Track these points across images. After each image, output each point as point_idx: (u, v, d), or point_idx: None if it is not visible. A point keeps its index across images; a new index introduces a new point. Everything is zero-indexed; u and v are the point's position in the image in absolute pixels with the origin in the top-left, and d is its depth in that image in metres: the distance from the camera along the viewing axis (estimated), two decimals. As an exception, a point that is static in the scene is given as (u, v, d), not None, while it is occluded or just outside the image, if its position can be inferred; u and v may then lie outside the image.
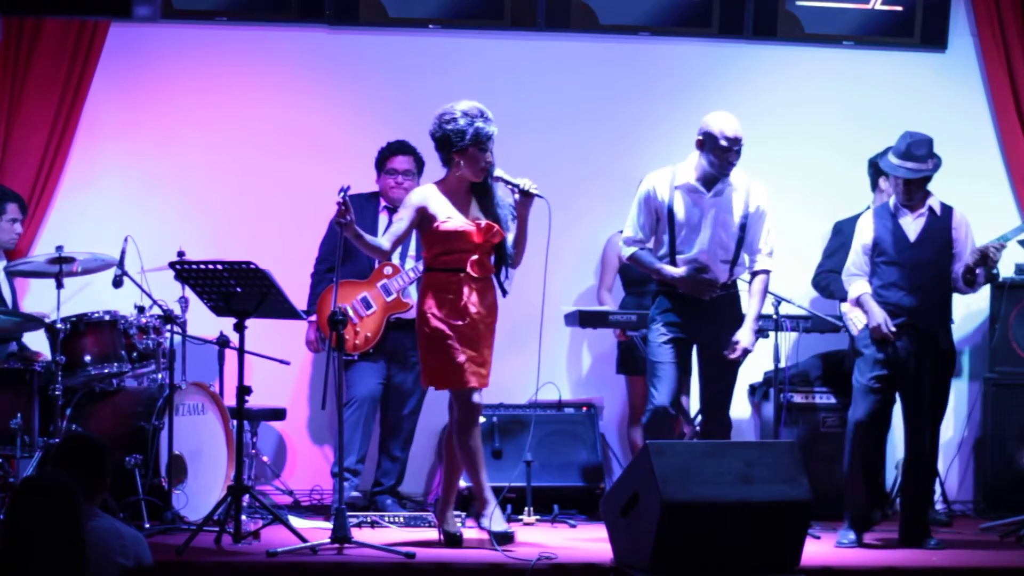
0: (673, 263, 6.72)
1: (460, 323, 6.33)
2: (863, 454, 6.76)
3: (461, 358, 6.33)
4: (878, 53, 8.59)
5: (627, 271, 7.97)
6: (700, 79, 8.54)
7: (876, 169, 7.81)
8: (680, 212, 6.70)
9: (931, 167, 6.74)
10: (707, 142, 6.67)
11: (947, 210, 6.85)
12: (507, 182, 6.39)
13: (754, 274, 6.79)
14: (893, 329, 6.69)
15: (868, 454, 6.78)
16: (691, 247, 6.70)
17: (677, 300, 6.70)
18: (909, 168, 6.72)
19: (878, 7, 8.52)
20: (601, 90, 8.48)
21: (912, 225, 6.80)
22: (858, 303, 6.89)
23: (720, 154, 6.63)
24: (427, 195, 6.43)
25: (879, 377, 6.73)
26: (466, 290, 6.34)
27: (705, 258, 6.68)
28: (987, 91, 8.61)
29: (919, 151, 6.71)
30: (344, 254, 6.57)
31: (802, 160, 8.42)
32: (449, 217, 6.35)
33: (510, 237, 6.45)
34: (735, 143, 6.63)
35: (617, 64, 8.50)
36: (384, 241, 6.50)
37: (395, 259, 7.57)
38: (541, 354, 8.08)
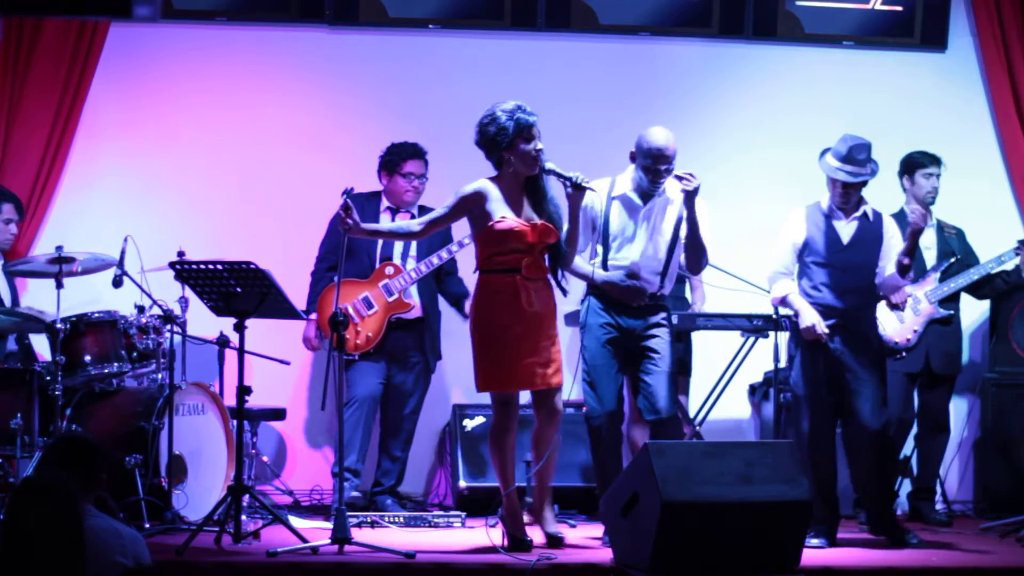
0: (604, 270, 6.65)
1: (516, 324, 6.24)
2: (816, 463, 6.72)
3: (522, 360, 6.25)
4: (878, 53, 8.60)
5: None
6: (700, 79, 8.54)
7: (905, 167, 7.79)
8: (614, 223, 6.64)
9: (869, 172, 6.73)
10: (637, 157, 6.60)
11: (878, 216, 6.86)
12: (559, 175, 6.25)
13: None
14: (826, 330, 6.68)
15: (823, 463, 6.76)
16: (623, 258, 6.63)
17: (608, 303, 6.65)
18: (849, 172, 6.71)
19: (878, 7, 8.53)
20: (601, 90, 8.48)
21: (845, 228, 6.79)
22: (783, 303, 6.85)
23: (647, 172, 6.56)
24: (484, 191, 6.28)
25: (821, 380, 6.71)
26: (522, 291, 6.26)
27: (636, 268, 6.61)
28: (987, 91, 8.61)
29: (860, 155, 6.70)
30: (345, 253, 6.57)
31: (802, 160, 8.39)
32: (504, 216, 6.23)
33: (563, 235, 6.34)
34: (663, 161, 6.52)
35: (617, 64, 8.50)
36: (415, 224, 6.47)
37: (396, 259, 7.57)
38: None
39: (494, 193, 6.27)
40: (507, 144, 6.23)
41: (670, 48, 8.53)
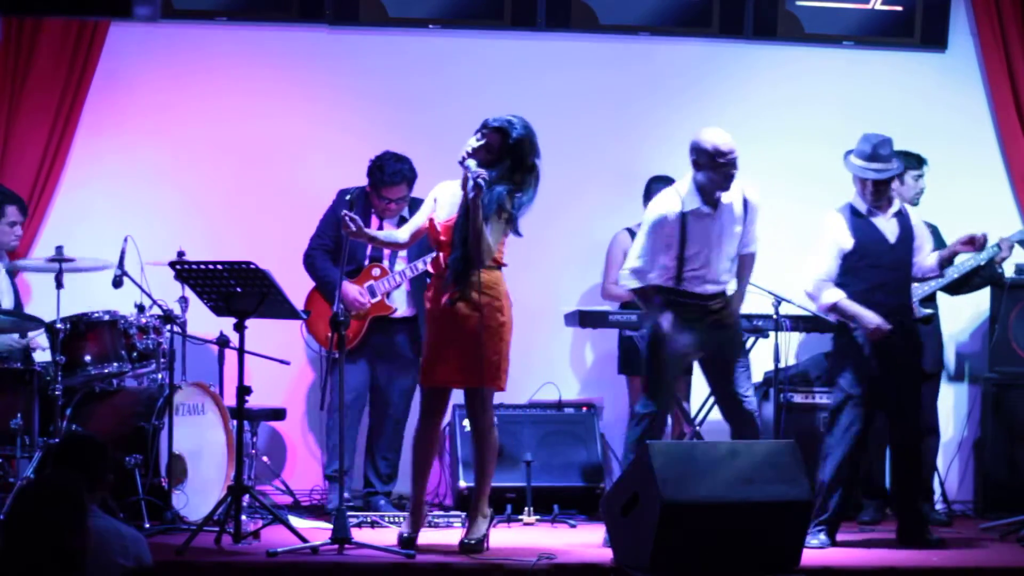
0: (679, 280, 6.68)
1: (430, 322, 6.35)
2: (851, 464, 6.74)
3: (430, 358, 6.35)
4: (878, 53, 8.60)
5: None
6: (700, 79, 8.54)
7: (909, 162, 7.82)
8: (693, 234, 6.67)
9: (896, 167, 6.76)
10: (705, 161, 6.63)
11: (906, 209, 6.92)
12: (465, 169, 6.21)
13: (742, 256, 6.81)
14: (890, 326, 6.69)
15: (855, 464, 6.79)
16: (701, 266, 6.69)
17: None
18: (876, 169, 6.72)
19: (878, 7, 8.53)
20: (601, 90, 8.48)
21: (888, 227, 6.81)
22: (835, 309, 6.80)
23: (719, 170, 6.60)
24: (437, 193, 6.42)
25: (870, 381, 6.72)
26: (434, 290, 6.32)
27: (711, 275, 6.69)
28: (987, 91, 8.61)
29: (884, 151, 6.72)
30: (340, 252, 6.62)
31: (801, 160, 8.41)
32: (436, 216, 6.34)
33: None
34: (730, 155, 6.58)
35: (617, 64, 8.50)
36: (401, 234, 6.53)
37: (385, 261, 7.57)
38: (539, 354, 8.14)
39: (444, 195, 6.36)
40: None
41: (670, 48, 8.52)
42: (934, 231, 7.88)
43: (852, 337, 6.76)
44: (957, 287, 7.83)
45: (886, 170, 6.73)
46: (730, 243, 6.73)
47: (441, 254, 6.33)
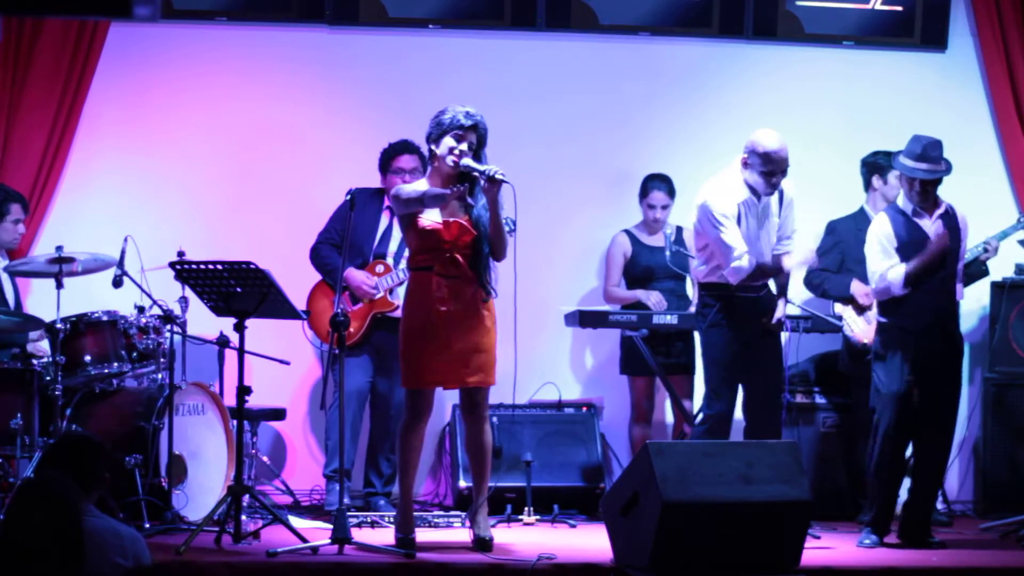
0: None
1: (427, 323, 6.27)
2: (893, 460, 6.75)
3: (429, 358, 6.28)
4: (878, 53, 8.60)
5: (631, 268, 7.98)
6: (700, 79, 8.54)
7: (870, 168, 7.84)
8: (744, 228, 6.77)
9: (945, 168, 6.76)
10: (754, 162, 6.72)
11: (954, 210, 6.88)
12: (472, 169, 6.23)
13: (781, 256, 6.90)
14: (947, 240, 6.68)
15: (899, 460, 6.80)
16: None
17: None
18: (926, 169, 6.72)
19: (878, 7, 8.53)
20: (601, 90, 8.48)
21: (932, 228, 6.79)
22: (908, 278, 6.70)
23: (767, 177, 6.73)
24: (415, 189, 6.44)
25: (908, 382, 6.72)
26: (435, 290, 6.26)
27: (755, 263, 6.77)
28: (987, 91, 8.61)
29: (934, 152, 6.73)
30: (345, 249, 6.64)
31: (801, 160, 8.37)
32: (425, 215, 6.28)
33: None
34: (784, 164, 6.74)
35: (617, 64, 8.50)
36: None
37: (389, 259, 7.58)
38: (539, 354, 8.14)
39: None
40: (434, 139, 6.29)
41: (670, 48, 8.52)
42: None
43: (891, 336, 6.75)
44: None
45: (935, 171, 6.73)
46: (768, 239, 6.82)
47: (458, 255, 6.27)
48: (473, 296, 6.29)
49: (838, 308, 7.62)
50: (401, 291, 7.55)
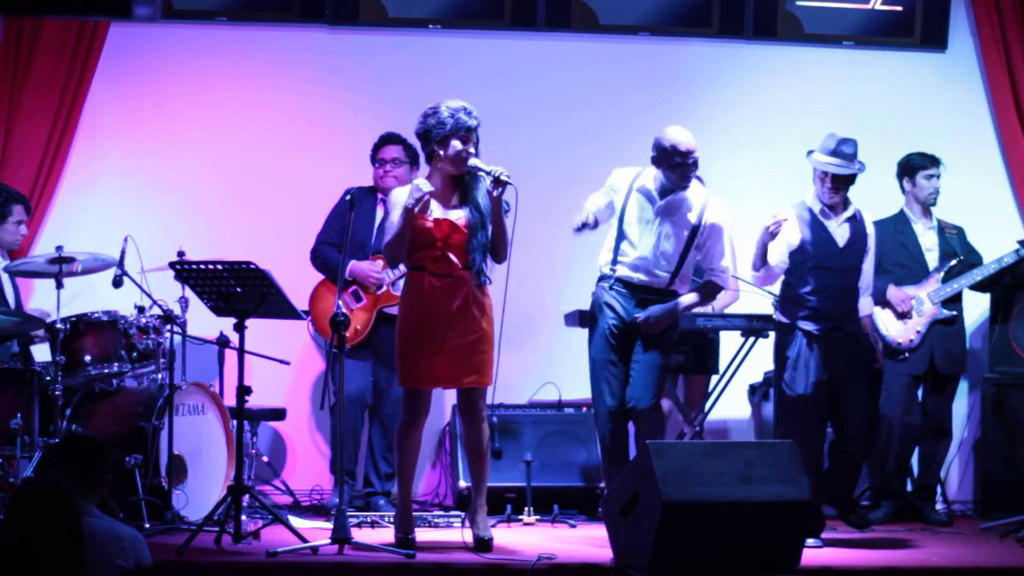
0: (614, 262, 6.69)
1: (420, 322, 6.26)
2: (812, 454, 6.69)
3: (423, 358, 6.26)
4: (878, 53, 8.60)
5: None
6: (700, 79, 8.54)
7: (900, 170, 7.81)
8: (631, 213, 6.66)
9: (858, 168, 6.73)
10: (663, 158, 6.60)
11: (862, 216, 6.84)
12: (480, 170, 6.22)
13: (705, 281, 6.77)
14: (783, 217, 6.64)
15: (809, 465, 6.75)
16: (634, 251, 6.65)
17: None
18: (837, 164, 6.71)
19: (878, 7, 8.53)
20: (601, 90, 8.48)
21: (839, 230, 6.77)
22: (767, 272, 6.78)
23: (676, 169, 6.57)
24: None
25: (815, 383, 6.67)
26: (427, 289, 6.25)
27: (643, 264, 6.64)
28: (987, 91, 8.61)
29: (848, 149, 6.70)
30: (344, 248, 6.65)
31: (801, 159, 8.40)
32: (424, 213, 6.24)
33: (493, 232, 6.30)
34: (689, 156, 6.55)
35: (617, 64, 8.50)
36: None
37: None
38: (539, 354, 8.14)
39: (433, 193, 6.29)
40: (440, 139, 6.24)
41: (670, 48, 8.53)
42: (960, 232, 7.89)
43: (791, 339, 6.72)
44: (985, 286, 7.85)
45: (846, 167, 6.70)
46: (666, 240, 6.63)
47: (450, 253, 6.26)
48: (467, 295, 6.28)
49: (876, 311, 7.49)
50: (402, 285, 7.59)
